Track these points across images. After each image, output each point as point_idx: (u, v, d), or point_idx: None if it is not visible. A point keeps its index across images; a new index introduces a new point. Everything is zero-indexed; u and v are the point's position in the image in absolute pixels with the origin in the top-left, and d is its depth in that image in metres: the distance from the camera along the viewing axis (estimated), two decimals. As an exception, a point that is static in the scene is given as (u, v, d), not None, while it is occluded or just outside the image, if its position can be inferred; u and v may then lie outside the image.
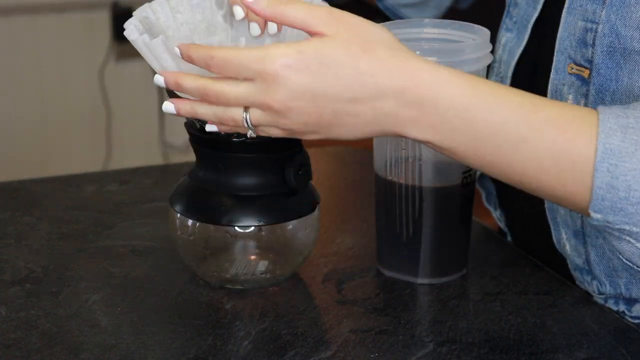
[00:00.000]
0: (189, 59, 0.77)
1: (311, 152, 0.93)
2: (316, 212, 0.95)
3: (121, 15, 2.69)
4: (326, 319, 0.90)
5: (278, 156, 0.90)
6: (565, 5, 0.93)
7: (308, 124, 0.76)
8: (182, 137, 2.74)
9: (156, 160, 2.79)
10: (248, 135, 0.79)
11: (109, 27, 2.70)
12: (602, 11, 0.89)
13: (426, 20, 0.97)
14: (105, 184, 1.19)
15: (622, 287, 0.92)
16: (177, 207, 0.93)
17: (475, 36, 0.93)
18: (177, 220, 0.93)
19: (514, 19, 1.02)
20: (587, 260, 0.93)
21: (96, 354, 0.83)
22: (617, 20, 0.87)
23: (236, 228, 0.91)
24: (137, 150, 2.80)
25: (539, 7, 0.99)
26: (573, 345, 0.86)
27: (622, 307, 0.93)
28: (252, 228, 0.92)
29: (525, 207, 1.04)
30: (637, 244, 0.75)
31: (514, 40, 1.02)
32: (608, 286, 0.93)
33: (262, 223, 0.91)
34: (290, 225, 0.93)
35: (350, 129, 0.77)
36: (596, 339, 0.87)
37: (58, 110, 2.70)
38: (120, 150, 2.77)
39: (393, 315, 0.90)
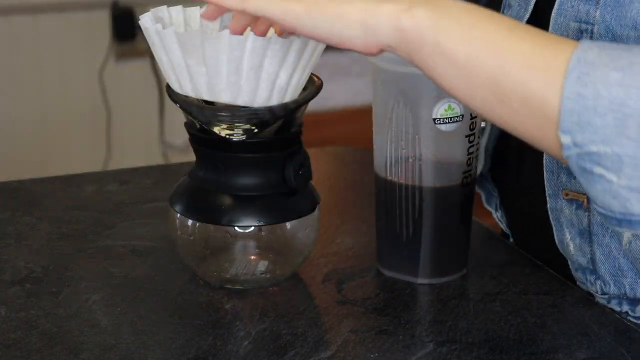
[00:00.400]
0: None
1: (311, 152, 0.93)
2: (316, 212, 0.95)
3: (121, 15, 2.69)
4: (326, 319, 0.90)
5: (278, 156, 0.90)
6: (555, 7, 0.93)
7: None
8: (182, 137, 2.74)
9: (156, 160, 2.80)
10: None
11: (109, 27, 2.70)
12: (596, 12, 0.89)
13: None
14: (105, 184, 1.19)
15: (627, 287, 0.92)
16: (177, 207, 0.93)
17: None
18: (177, 220, 0.93)
19: None
20: (592, 260, 0.93)
21: (96, 354, 0.83)
22: (613, 20, 0.87)
23: (236, 228, 0.92)
24: (137, 150, 2.80)
25: (530, 8, 0.99)
26: (573, 345, 0.86)
27: (625, 308, 0.93)
28: (252, 228, 0.92)
29: (525, 206, 1.04)
30: (608, 176, 0.71)
31: None
32: (612, 286, 0.93)
33: (262, 223, 0.91)
34: (290, 225, 0.93)
35: None
36: (596, 339, 0.87)
37: (58, 110, 2.70)
38: (120, 150, 2.78)
39: (393, 315, 0.90)
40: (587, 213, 0.93)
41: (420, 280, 0.96)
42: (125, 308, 0.91)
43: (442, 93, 0.90)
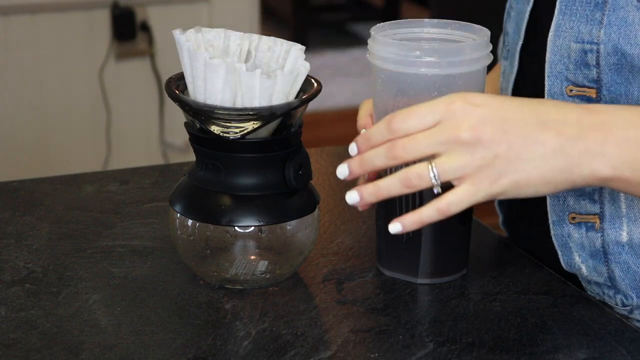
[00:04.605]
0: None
1: (311, 152, 0.93)
2: (316, 212, 0.95)
3: (121, 15, 2.69)
4: (326, 319, 0.90)
5: (278, 156, 0.90)
6: (551, 30, 0.92)
7: (498, 156, 0.77)
8: (182, 137, 2.74)
9: (156, 160, 2.79)
10: (435, 192, 0.81)
11: (109, 27, 2.70)
12: (599, 31, 0.89)
13: (426, 20, 0.97)
14: (105, 184, 1.19)
15: None
16: (177, 207, 0.93)
17: (475, 36, 0.93)
18: (177, 220, 0.93)
19: (507, 47, 1.04)
20: (610, 278, 0.93)
21: (96, 354, 0.83)
22: (621, 39, 0.87)
23: (236, 228, 0.92)
24: (137, 150, 2.80)
25: (522, 34, 0.99)
26: (573, 345, 0.86)
27: None
28: (252, 228, 0.92)
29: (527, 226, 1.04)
30: None
31: (508, 67, 1.03)
32: (635, 298, 0.93)
33: (262, 223, 0.91)
34: (290, 225, 0.93)
35: (537, 163, 0.78)
36: (596, 339, 0.87)
37: (58, 110, 2.70)
38: (120, 150, 2.77)
39: (393, 315, 0.90)
40: (599, 234, 0.93)
41: (420, 280, 0.96)
42: (125, 308, 0.91)
43: (441, 93, 0.90)
